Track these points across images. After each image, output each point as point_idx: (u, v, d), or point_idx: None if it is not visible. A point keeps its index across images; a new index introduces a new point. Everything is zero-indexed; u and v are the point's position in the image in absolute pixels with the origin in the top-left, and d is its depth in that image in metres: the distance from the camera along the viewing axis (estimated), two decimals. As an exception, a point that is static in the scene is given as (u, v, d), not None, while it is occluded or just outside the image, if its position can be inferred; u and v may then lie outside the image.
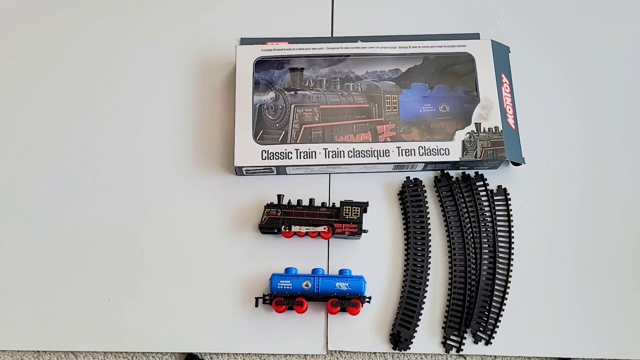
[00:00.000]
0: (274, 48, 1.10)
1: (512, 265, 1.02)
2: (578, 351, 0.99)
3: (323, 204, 1.04)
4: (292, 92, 1.08)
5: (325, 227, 1.02)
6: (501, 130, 1.05)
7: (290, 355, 1.00)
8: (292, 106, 1.07)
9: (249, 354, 1.00)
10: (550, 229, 1.05)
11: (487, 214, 1.05)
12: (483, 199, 1.05)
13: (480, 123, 1.05)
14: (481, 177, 1.07)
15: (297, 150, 1.04)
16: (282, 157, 1.03)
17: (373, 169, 1.07)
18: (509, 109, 1.08)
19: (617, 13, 1.19)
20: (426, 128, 1.06)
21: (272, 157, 1.03)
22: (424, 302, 1.00)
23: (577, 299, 1.02)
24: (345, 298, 0.98)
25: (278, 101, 1.07)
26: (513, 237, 1.04)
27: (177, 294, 1.01)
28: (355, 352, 1.00)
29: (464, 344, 0.99)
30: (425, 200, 1.06)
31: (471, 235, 1.03)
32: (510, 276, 1.02)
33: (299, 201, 1.04)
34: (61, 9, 1.19)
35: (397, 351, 0.99)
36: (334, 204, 1.04)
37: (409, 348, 0.98)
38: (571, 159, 1.10)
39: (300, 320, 1.00)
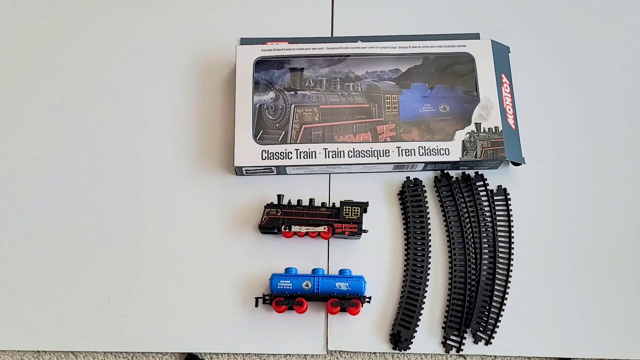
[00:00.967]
0: (274, 48, 1.10)
1: (512, 265, 1.02)
2: (578, 351, 0.99)
3: (323, 204, 1.04)
4: (292, 92, 1.08)
5: (325, 227, 1.02)
6: (501, 130, 1.05)
7: (290, 355, 1.00)
8: (292, 106, 1.07)
9: (249, 354, 1.00)
10: (550, 229, 1.05)
11: (487, 214, 1.05)
12: (483, 199, 1.05)
13: (480, 123, 1.05)
14: (481, 177, 1.07)
15: (297, 150, 1.04)
16: (282, 157, 1.03)
17: (373, 169, 1.07)
18: (509, 109, 1.08)
19: (617, 13, 1.19)
20: (426, 128, 1.06)
21: (272, 157, 1.03)
22: (424, 302, 1.00)
23: (577, 299, 1.02)
24: (345, 298, 0.98)
25: (278, 101, 1.07)
26: (513, 237, 1.04)
27: (177, 294, 1.01)
28: (355, 352, 1.00)
29: (464, 344, 0.99)
30: (425, 200, 1.06)
31: (471, 235, 1.03)
32: (510, 276, 1.02)
33: (299, 201, 1.04)
34: (61, 9, 1.19)
35: (397, 351, 0.99)
36: (334, 204, 1.04)
37: (409, 348, 0.99)
38: (571, 159, 1.10)
39: (300, 320, 1.00)
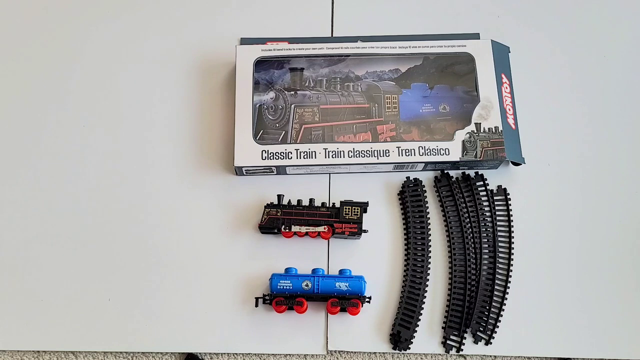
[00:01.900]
0: (274, 48, 1.10)
1: (512, 265, 1.02)
2: (578, 351, 0.99)
3: (323, 204, 1.04)
4: (292, 92, 1.08)
5: (325, 227, 1.02)
6: (501, 130, 1.05)
7: (290, 355, 1.00)
8: (292, 106, 1.07)
9: (249, 354, 1.00)
10: (550, 229, 1.05)
11: (487, 214, 1.05)
12: (483, 199, 1.05)
13: (480, 123, 1.05)
14: (481, 177, 1.07)
15: (297, 150, 1.04)
16: (282, 157, 1.03)
17: (373, 169, 1.07)
18: (509, 109, 1.08)
19: (618, 13, 1.19)
20: (426, 128, 1.06)
21: (272, 157, 1.03)
22: (424, 302, 1.00)
23: (577, 299, 1.02)
24: (345, 298, 0.98)
25: (278, 101, 1.07)
26: (513, 237, 1.04)
27: (177, 294, 1.01)
28: (355, 352, 1.00)
29: (464, 344, 0.99)
30: (425, 200, 1.06)
31: (471, 235, 1.03)
32: (510, 276, 1.02)
33: (299, 201, 1.04)
34: (62, 10, 1.19)
35: (397, 351, 0.99)
36: (334, 204, 1.04)
37: (409, 348, 0.99)
38: (571, 159, 1.10)
39: (300, 320, 1.00)
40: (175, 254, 1.03)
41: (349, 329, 0.99)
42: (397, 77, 1.10)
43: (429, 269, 1.02)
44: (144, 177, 1.08)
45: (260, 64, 1.09)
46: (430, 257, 1.03)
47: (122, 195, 1.07)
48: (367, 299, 0.99)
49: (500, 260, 1.03)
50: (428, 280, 1.02)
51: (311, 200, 1.04)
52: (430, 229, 1.04)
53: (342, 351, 1.00)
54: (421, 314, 1.00)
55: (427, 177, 1.08)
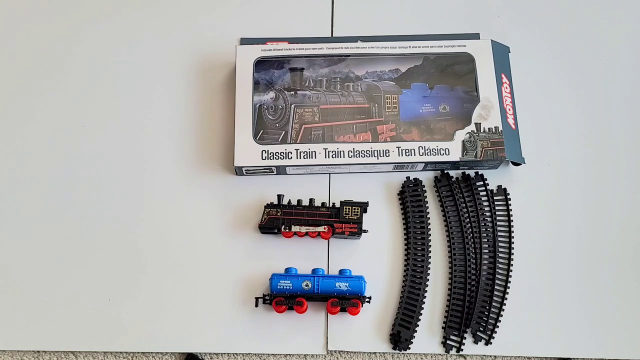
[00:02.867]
0: (274, 48, 1.10)
1: (512, 265, 1.02)
2: (578, 351, 0.99)
3: (323, 204, 1.04)
4: (292, 92, 1.08)
5: (325, 227, 1.02)
6: (501, 130, 1.05)
7: (290, 355, 1.00)
8: (292, 106, 1.07)
9: (249, 354, 1.00)
10: (550, 229, 1.05)
11: (487, 214, 1.05)
12: (483, 199, 1.05)
13: (480, 123, 1.05)
14: (481, 177, 1.07)
15: (297, 150, 1.04)
16: (282, 157, 1.03)
17: (373, 169, 1.07)
18: (509, 109, 1.08)
19: (617, 13, 1.19)
20: (426, 128, 1.06)
21: (272, 157, 1.03)
22: (424, 302, 1.00)
23: (578, 299, 1.02)
24: (345, 298, 0.98)
25: (278, 101, 1.07)
26: (513, 237, 1.04)
27: (177, 294, 1.01)
28: (355, 352, 1.00)
29: (464, 344, 0.99)
30: (425, 200, 1.06)
31: (471, 235, 1.03)
32: (510, 276, 1.02)
33: (299, 201, 1.04)
34: (62, 10, 1.19)
35: (397, 351, 0.99)
36: (334, 204, 1.04)
37: (409, 348, 0.99)
38: (571, 159, 1.10)
39: (300, 320, 1.00)
40: (175, 253, 1.03)
41: (349, 329, 0.99)
42: (397, 77, 1.10)
43: (429, 269, 1.02)
44: (144, 177, 1.08)
45: (260, 64, 1.09)
46: (430, 257, 1.03)
47: (122, 195, 1.07)
48: (367, 299, 0.99)
49: (500, 260, 1.03)
50: (428, 280, 1.02)
51: (311, 200, 1.04)
52: (430, 229, 1.04)
53: (342, 351, 1.00)
54: (421, 314, 1.00)
55: (427, 177, 1.08)
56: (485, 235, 1.03)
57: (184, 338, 0.99)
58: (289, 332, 0.99)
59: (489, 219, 1.05)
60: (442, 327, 1.00)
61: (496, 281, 1.01)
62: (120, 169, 1.08)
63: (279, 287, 0.97)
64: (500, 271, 1.02)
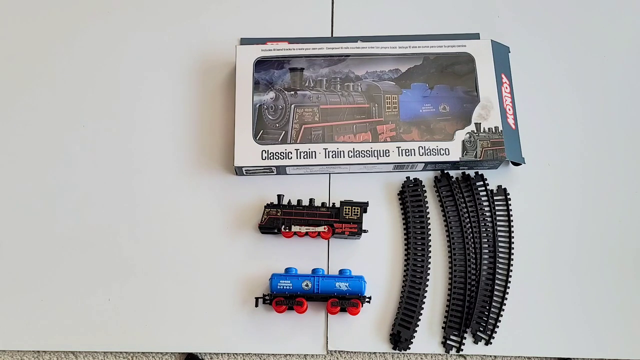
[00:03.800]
0: (274, 48, 1.10)
1: (512, 265, 1.02)
2: (578, 351, 0.99)
3: (323, 204, 1.04)
4: (292, 92, 1.08)
5: (325, 227, 1.02)
6: (501, 130, 1.05)
7: (290, 355, 1.00)
8: (292, 106, 1.07)
9: (249, 354, 1.00)
10: (550, 229, 1.05)
11: (487, 214, 1.05)
12: (483, 199, 1.05)
13: (480, 123, 1.05)
14: (481, 177, 1.07)
15: (297, 150, 1.04)
16: (282, 157, 1.03)
17: (373, 169, 1.07)
18: (509, 109, 1.08)
19: (617, 13, 1.19)
20: (426, 128, 1.06)
21: (272, 157, 1.03)
22: (424, 302, 1.00)
23: (577, 299, 1.02)
24: (345, 298, 0.98)
25: (278, 101, 1.07)
26: (513, 237, 1.04)
27: (177, 294, 1.01)
28: (355, 352, 1.00)
29: (464, 344, 0.99)
30: (425, 200, 1.06)
31: (471, 235, 1.03)
32: (510, 276, 1.02)
33: (299, 201, 1.04)
34: (61, 9, 1.19)
35: (397, 351, 0.99)
36: (334, 204, 1.04)
37: (409, 348, 0.99)
38: (571, 159, 1.10)
39: (300, 320, 1.00)
40: (175, 253, 1.03)
41: (349, 329, 0.99)
42: (397, 77, 1.10)
43: (429, 269, 1.02)
44: (144, 177, 1.08)
45: (260, 64, 1.09)
46: (430, 257, 1.03)
47: (122, 195, 1.07)
48: (367, 299, 0.99)
49: (500, 260, 1.03)
50: (428, 280, 1.02)
51: (311, 200, 1.04)
52: (430, 229, 1.04)
53: (342, 351, 1.00)
54: (421, 314, 1.00)
55: (427, 177, 1.08)
56: (485, 235, 1.03)
57: (184, 338, 0.99)
58: (289, 332, 0.99)
59: (489, 219, 1.05)
60: (442, 327, 1.00)
61: (496, 281, 1.01)
62: (121, 169, 1.08)
63: (279, 287, 0.97)
64: (500, 271, 1.02)
